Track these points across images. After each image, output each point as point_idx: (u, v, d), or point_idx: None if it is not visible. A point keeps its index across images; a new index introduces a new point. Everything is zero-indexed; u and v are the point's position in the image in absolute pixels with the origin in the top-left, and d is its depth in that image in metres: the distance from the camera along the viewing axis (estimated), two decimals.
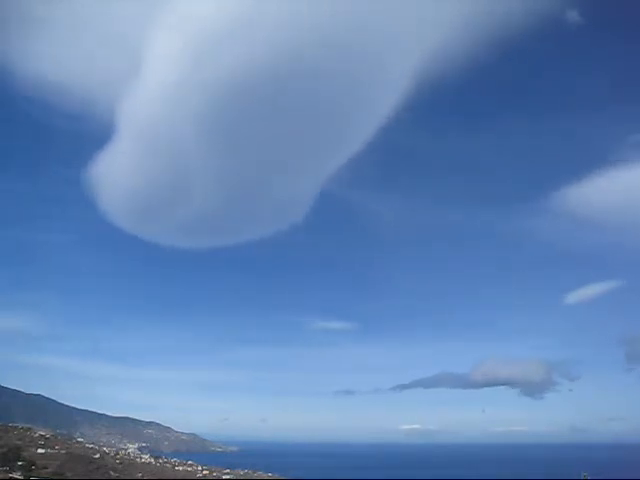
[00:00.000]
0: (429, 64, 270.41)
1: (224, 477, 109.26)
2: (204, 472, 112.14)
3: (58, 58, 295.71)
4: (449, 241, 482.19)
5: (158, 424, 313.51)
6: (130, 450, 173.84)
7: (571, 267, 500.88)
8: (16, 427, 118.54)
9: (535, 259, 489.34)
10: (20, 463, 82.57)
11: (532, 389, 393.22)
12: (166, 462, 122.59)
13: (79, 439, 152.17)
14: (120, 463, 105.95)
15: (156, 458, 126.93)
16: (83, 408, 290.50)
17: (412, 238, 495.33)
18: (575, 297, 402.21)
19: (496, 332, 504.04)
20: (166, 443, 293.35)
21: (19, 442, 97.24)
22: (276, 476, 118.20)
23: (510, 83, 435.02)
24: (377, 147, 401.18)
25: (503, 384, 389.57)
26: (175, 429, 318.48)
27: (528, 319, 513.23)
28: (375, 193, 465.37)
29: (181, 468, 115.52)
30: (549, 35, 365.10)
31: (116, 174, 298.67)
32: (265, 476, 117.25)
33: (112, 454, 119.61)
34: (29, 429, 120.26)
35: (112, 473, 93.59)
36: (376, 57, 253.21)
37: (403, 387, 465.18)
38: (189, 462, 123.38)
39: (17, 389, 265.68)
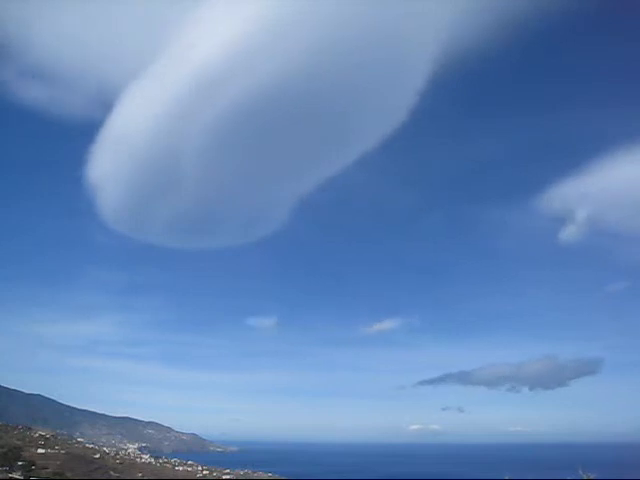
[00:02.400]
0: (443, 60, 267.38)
1: (224, 477, 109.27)
2: (204, 472, 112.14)
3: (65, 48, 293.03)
4: (450, 238, 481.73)
5: (158, 424, 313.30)
6: (130, 450, 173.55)
7: (590, 267, 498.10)
8: (16, 427, 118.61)
9: (560, 257, 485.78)
10: (20, 463, 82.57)
11: (537, 389, 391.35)
12: (166, 462, 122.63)
13: (79, 439, 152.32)
14: (120, 463, 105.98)
15: (156, 458, 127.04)
16: (83, 408, 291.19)
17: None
18: (598, 296, 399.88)
19: (503, 332, 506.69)
20: (166, 443, 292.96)
21: (19, 442, 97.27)
22: (276, 476, 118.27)
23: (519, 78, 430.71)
24: (388, 144, 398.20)
25: (508, 384, 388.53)
26: (175, 429, 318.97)
27: (539, 319, 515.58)
28: (381, 190, 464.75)
29: (181, 468, 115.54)
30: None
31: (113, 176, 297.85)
32: (265, 476, 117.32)
33: (112, 454, 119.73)
34: (29, 429, 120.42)
35: (112, 473, 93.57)
36: (389, 56, 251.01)
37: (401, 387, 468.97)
38: (189, 462, 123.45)
39: (17, 389, 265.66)
